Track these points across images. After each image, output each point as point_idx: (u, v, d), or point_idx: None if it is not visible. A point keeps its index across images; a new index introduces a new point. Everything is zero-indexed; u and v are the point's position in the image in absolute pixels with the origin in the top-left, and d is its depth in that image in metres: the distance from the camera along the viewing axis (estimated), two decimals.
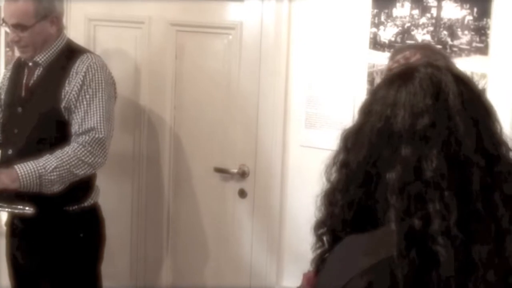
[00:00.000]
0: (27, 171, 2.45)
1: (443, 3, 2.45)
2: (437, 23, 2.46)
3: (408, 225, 1.09)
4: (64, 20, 2.79)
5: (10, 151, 2.68)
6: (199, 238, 3.18)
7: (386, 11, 2.56)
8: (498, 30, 2.36)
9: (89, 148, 2.53)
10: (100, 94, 2.59)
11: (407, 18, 2.52)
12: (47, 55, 2.66)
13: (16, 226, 2.77)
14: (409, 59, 1.83)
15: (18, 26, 2.58)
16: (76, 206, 2.66)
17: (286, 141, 2.86)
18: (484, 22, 2.38)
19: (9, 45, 3.44)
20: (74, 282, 2.72)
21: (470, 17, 2.39)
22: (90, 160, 2.54)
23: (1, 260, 2.98)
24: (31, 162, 2.47)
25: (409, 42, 2.50)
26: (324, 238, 1.23)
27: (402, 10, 2.52)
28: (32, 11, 2.56)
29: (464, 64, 2.23)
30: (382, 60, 2.53)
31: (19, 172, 2.44)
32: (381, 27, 2.57)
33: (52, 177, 2.47)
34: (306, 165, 2.79)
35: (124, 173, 3.31)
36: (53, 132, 2.61)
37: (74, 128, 2.57)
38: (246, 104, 2.95)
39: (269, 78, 2.86)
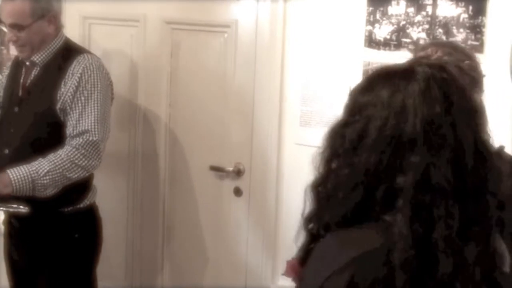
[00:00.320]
0: (19, 175, 2.43)
1: (439, 1, 2.45)
2: (433, 21, 2.46)
3: (414, 229, 1.12)
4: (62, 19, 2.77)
5: (6, 151, 2.66)
6: (195, 236, 3.18)
7: (381, 9, 2.56)
8: (493, 28, 2.37)
9: (83, 151, 2.51)
10: (96, 96, 2.57)
11: (403, 16, 2.52)
12: (44, 55, 2.64)
13: (13, 225, 2.76)
14: (430, 57, 1.80)
15: (15, 26, 2.57)
16: (71, 208, 2.64)
17: (281, 139, 2.86)
18: (480, 20, 2.38)
19: (3, 43, 3.42)
20: (69, 283, 2.72)
21: (466, 15, 2.39)
22: (83, 163, 2.52)
23: (1, 260, 2.98)
24: (24, 166, 2.45)
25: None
26: (313, 232, 1.24)
27: (398, 8, 2.52)
28: (29, 10, 2.54)
29: None
30: (377, 58, 2.53)
31: (11, 176, 2.42)
32: (377, 25, 2.57)
33: (45, 181, 2.46)
34: (301, 163, 2.77)
35: (119, 171, 3.30)
36: (48, 133, 2.59)
37: (69, 130, 2.55)
38: (241, 102, 2.95)
39: (265, 76, 2.86)
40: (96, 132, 2.54)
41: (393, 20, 2.54)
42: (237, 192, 3.01)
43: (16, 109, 2.67)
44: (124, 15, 3.22)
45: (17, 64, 2.76)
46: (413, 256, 1.10)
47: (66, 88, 2.57)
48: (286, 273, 1.73)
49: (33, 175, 2.44)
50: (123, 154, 3.27)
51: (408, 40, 2.51)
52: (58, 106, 2.57)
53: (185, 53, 3.10)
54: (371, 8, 2.58)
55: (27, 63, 2.68)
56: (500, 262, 1.18)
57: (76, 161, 2.50)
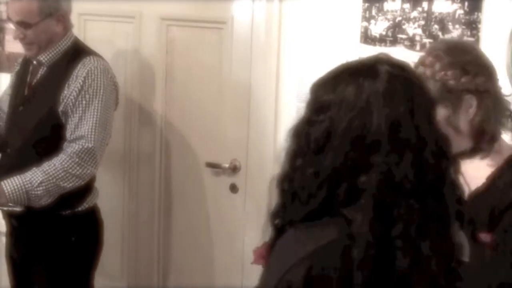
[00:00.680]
0: (13, 187, 2.42)
1: None
2: (428, 17, 2.46)
3: (374, 228, 1.15)
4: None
5: (8, 150, 2.66)
6: (191, 232, 3.18)
7: (377, 5, 2.55)
8: (489, 24, 2.36)
9: (77, 160, 2.48)
10: (97, 101, 2.54)
11: (398, 12, 2.51)
12: (51, 55, 2.62)
13: (13, 225, 2.76)
14: (434, 64, 1.76)
15: (22, 24, 2.55)
16: (69, 211, 2.63)
17: (277, 136, 2.86)
18: (475, 16, 2.37)
19: None
20: (67, 284, 2.71)
21: (461, 11, 2.39)
22: (78, 172, 2.49)
23: (1, 261, 2.97)
24: (17, 177, 2.44)
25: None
26: (278, 227, 1.29)
27: (393, 4, 2.52)
28: (37, 9, 2.52)
29: None
30: (373, 54, 2.52)
31: (5, 189, 2.42)
32: (372, 21, 2.57)
33: (39, 192, 2.44)
34: None
35: (115, 168, 3.29)
36: (51, 134, 2.57)
37: (67, 134, 2.53)
38: (237, 99, 2.94)
39: (261, 72, 2.86)
40: (93, 139, 2.50)
41: (389, 16, 2.53)
42: (233, 188, 3.01)
43: (20, 108, 2.66)
44: (119, 11, 3.21)
45: (26, 63, 2.74)
46: (373, 254, 1.14)
47: (69, 91, 2.54)
48: (255, 261, 1.78)
49: (26, 186, 2.43)
50: (119, 151, 3.27)
51: (404, 36, 2.51)
52: (60, 108, 2.55)
53: (180, 50, 3.10)
54: (366, 4, 2.57)
55: (34, 62, 2.66)
56: (459, 253, 1.23)
57: (70, 171, 2.48)
